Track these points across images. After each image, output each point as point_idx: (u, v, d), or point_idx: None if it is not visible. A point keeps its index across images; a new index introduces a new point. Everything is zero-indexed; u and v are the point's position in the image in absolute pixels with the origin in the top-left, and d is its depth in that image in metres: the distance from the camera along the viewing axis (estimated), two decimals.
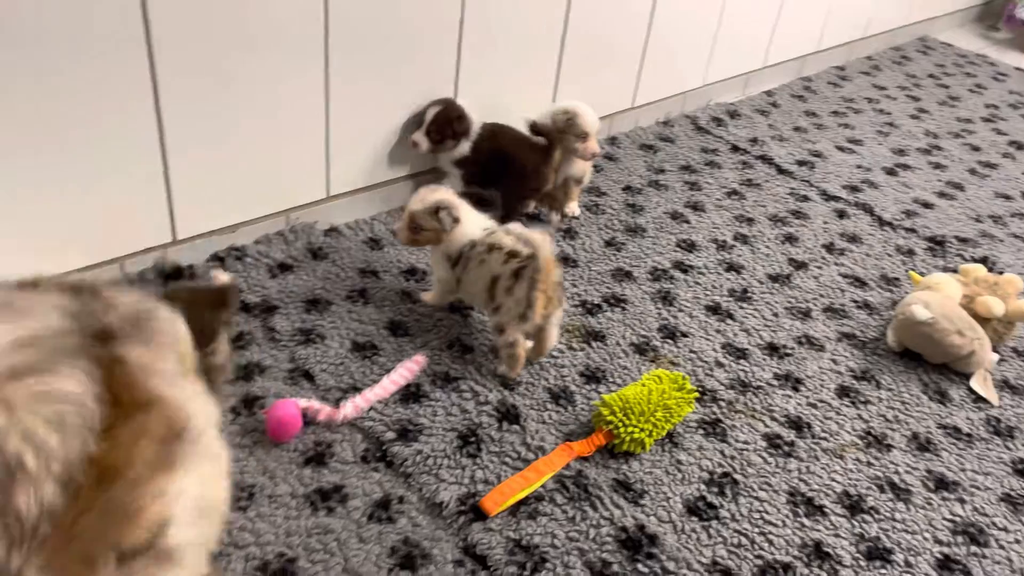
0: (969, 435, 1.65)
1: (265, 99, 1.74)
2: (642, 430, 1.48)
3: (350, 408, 1.48)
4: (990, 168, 2.74)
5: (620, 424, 1.47)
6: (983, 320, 1.81)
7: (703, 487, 1.46)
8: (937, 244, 2.26)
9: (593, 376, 1.67)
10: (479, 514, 1.35)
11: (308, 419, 1.45)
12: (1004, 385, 1.80)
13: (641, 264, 2.02)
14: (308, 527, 1.30)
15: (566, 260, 2.00)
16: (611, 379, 1.67)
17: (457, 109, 2.00)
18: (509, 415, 1.54)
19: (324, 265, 1.85)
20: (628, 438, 1.47)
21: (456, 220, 1.64)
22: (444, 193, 1.67)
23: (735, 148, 2.65)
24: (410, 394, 1.55)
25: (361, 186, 2.03)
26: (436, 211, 1.64)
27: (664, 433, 1.53)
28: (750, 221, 2.26)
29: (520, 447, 1.48)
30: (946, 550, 1.41)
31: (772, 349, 1.81)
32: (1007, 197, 2.57)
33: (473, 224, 1.66)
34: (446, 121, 1.98)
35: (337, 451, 1.43)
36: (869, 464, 1.56)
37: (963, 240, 2.28)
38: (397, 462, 1.42)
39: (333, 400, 1.51)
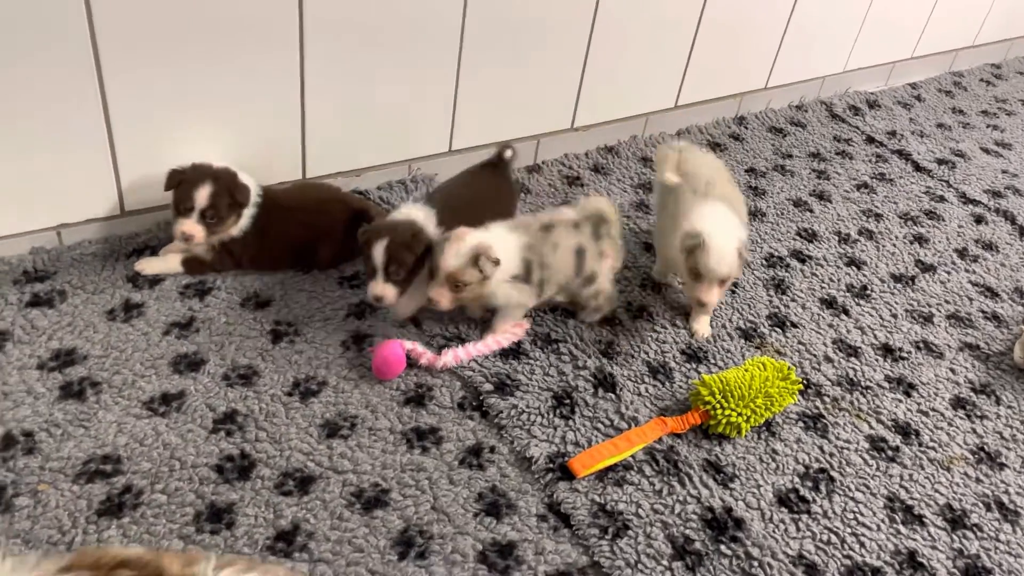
0: None
1: (401, 55, 1.78)
2: (740, 414, 1.45)
3: (450, 357, 1.52)
4: None
5: (718, 406, 1.45)
6: None
7: (797, 480, 1.43)
8: None
9: (694, 356, 1.65)
10: (566, 474, 1.37)
11: (410, 361, 1.50)
12: None
13: (757, 249, 1.97)
14: (403, 463, 1.35)
15: None
16: (712, 361, 1.64)
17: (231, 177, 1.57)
18: (605, 383, 1.54)
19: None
20: (725, 421, 1.45)
21: (497, 262, 1.48)
22: (471, 234, 1.49)
23: (870, 139, 2.53)
24: (510, 351, 1.58)
25: (482, 143, 2.05)
26: (475, 260, 1.47)
27: (762, 420, 1.50)
28: (878, 217, 2.16)
29: (613, 415, 1.48)
30: None
31: (887, 351, 1.74)
32: None
33: (505, 248, 1.51)
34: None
35: (436, 395, 1.47)
36: (978, 480, 1.48)
37: None
38: (492, 413, 1.45)
39: (436, 347, 1.55)
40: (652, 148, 2.27)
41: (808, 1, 2.41)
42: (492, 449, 1.40)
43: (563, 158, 2.18)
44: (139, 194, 1.66)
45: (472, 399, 1.48)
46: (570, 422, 1.46)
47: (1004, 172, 2.46)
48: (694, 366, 1.62)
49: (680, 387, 1.57)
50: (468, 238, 1.48)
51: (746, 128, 2.46)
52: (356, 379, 1.48)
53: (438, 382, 1.50)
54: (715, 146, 2.34)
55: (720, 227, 1.58)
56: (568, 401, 1.50)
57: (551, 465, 1.38)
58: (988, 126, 2.73)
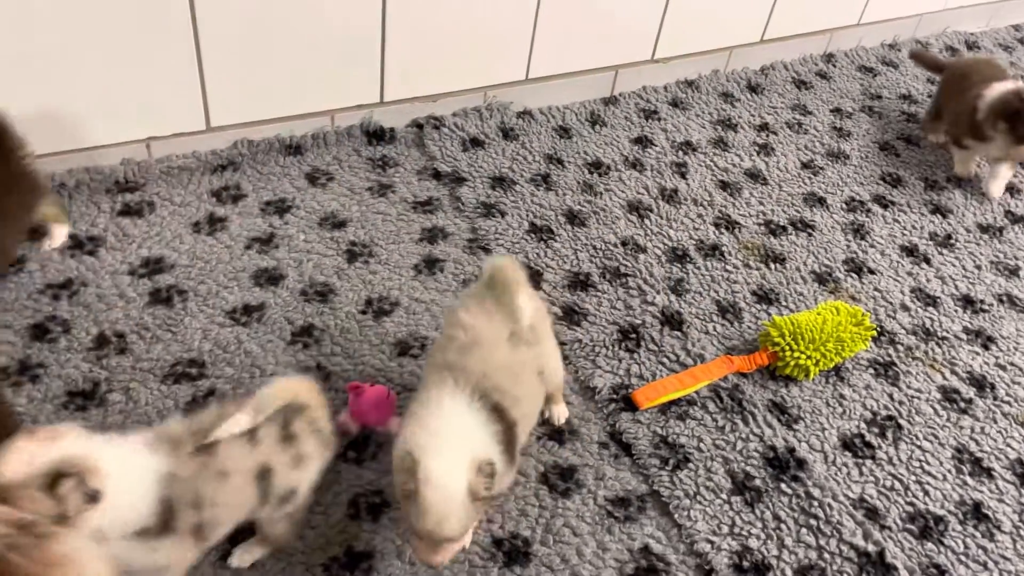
0: None
1: None
2: (809, 357, 1.44)
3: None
4: None
5: (787, 347, 1.44)
6: None
7: (863, 425, 1.42)
8: None
9: (765, 297, 1.63)
10: (630, 405, 1.39)
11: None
12: None
13: (838, 192, 1.92)
14: None
15: (755, 176, 1.92)
16: (784, 303, 1.62)
17: None
18: (673, 320, 1.54)
19: (513, 146, 1.89)
20: (793, 363, 1.44)
21: (95, 495, 0.89)
22: (64, 437, 0.91)
23: None
24: (579, 281, 1.59)
25: (559, 72, 2.02)
26: (53, 482, 0.87)
27: (832, 365, 1.48)
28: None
29: (679, 351, 1.49)
30: None
31: (967, 302, 1.69)
32: None
33: (125, 477, 0.92)
34: None
35: None
36: None
37: None
38: (558, 341, 1.47)
39: None
40: (735, 83, 2.21)
41: None
42: None
43: (641, 91, 2.13)
44: (225, 111, 1.70)
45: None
46: (635, 355, 1.47)
47: None
48: (764, 307, 1.61)
49: (749, 327, 1.56)
50: (51, 442, 0.89)
51: (834, 66, 2.36)
52: (427, 301, 1.51)
53: None
54: (800, 83, 2.26)
55: (451, 460, 0.99)
56: (634, 335, 1.50)
57: (615, 396, 1.40)
58: None
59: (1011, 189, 2.01)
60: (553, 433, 1.34)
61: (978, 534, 1.28)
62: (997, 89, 1.85)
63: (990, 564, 1.25)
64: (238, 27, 1.59)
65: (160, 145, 1.68)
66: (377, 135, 1.84)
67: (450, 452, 1.00)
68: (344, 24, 1.69)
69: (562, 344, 1.46)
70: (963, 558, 1.25)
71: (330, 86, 1.77)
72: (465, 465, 0.99)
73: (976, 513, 1.31)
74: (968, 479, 1.36)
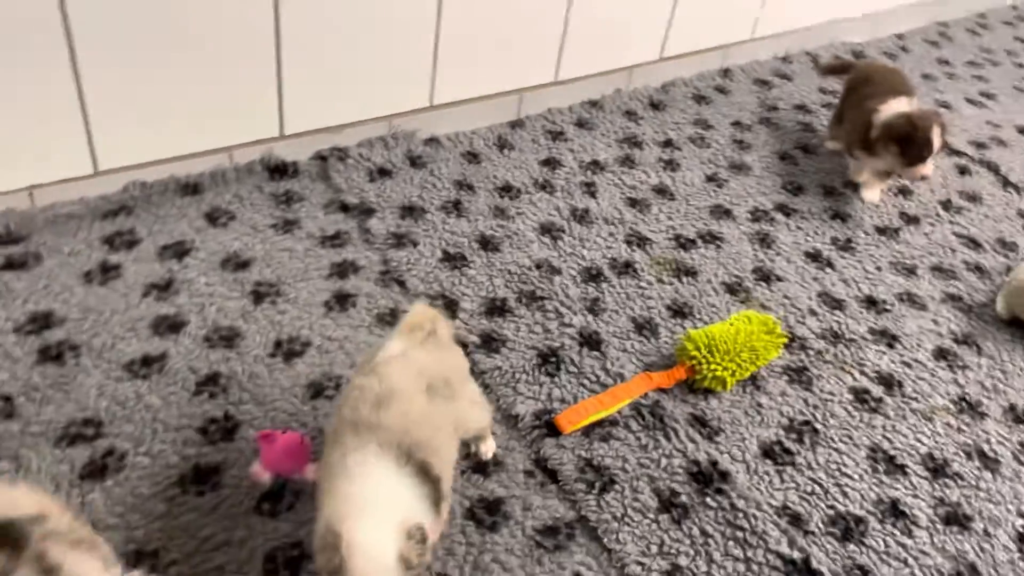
0: None
1: (380, 5, 1.73)
2: (725, 368, 1.46)
3: None
4: None
5: (703, 360, 1.46)
6: None
7: (781, 432, 1.44)
8: None
9: (679, 311, 1.64)
10: (553, 430, 1.37)
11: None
12: None
13: (742, 203, 1.96)
14: None
15: (663, 192, 1.95)
16: (698, 315, 1.64)
17: None
18: (591, 340, 1.54)
19: (422, 173, 1.87)
20: (710, 375, 1.45)
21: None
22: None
23: None
24: (496, 307, 1.57)
25: (464, 98, 2.01)
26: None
27: (748, 375, 1.50)
28: None
29: (599, 371, 1.48)
30: None
31: (871, 303, 1.74)
32: None
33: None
34: None
35: None
36: (959, 430, 1.50)
37: None
38: (478, 371, 1.45)
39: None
40: (637, 101, 2.25)
41: None
42: None
43: (547, 113, 2.14)
44: (114, 153, 1.61)
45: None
46: (556, 379, 1.46)
47: (988, 123, 2.45)
48: (679, 321, 1.62)
49: (666, 342, 1.57)
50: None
51: (732, 81, 2.43)
52: (340, 339, 1.46)
53: None
54: (700, 99, 2.31)
55: (378, 529, 0.92)
56: (554, 359, 1.49)
57: (537, 422, 1.38)
58: (974, 77, 2.71)
59: (904, 191, 2.09)
60: (478, 466, 1.31)
61: (897, 532, 1.31)
62: (892, 107, 1.89)
63: (910, 560, 1.28)
64: (122, 63, 1.52)
65: (44, 192, 1.58)
66: (279, 170, 1.79)
67: (376, 520, 0.93)
68: (237, 56, 1.63)
69: (482, 372, 1.44)
70: (884, 556, 1.28)
71: (226, 121, 1.71)
72: (394, 532, 0.92)
73: (894, 510, 1.35)
74: (884, 477, 1.40)
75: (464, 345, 1.48)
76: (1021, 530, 1.35)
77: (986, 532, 1.34)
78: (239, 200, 1.71)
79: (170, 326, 1.43)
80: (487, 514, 1.24)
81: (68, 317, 1.41)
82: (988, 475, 1.43)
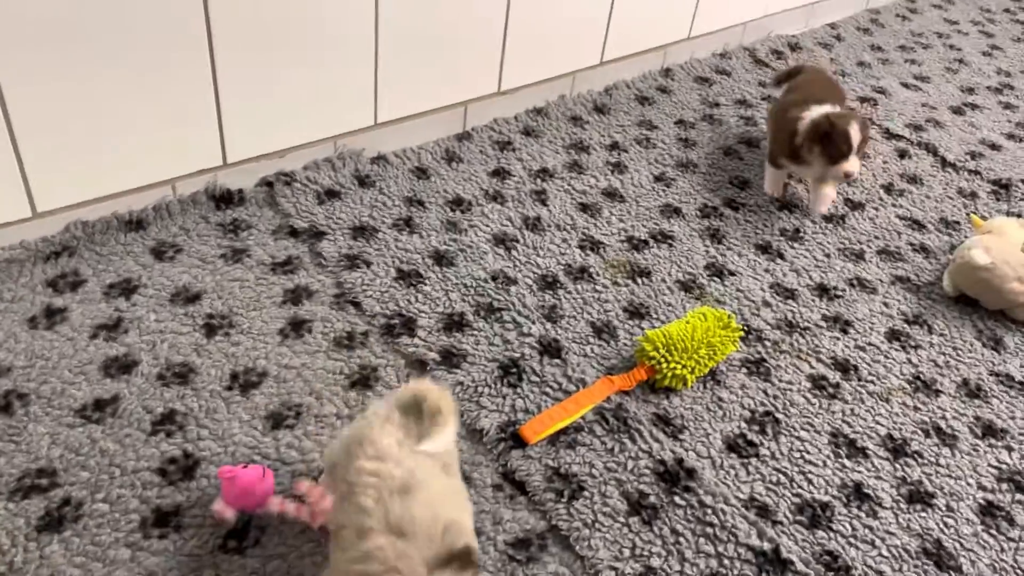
0: (1022, 383, 1.61)
1: (314, 25, 1.72)
2: (684, 366, 1.47)
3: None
4: None
5: (662, 360, 1.47)
6: None
7: (744, 425, 1.46)
8: (1002, 187, 2.17)
9: (637, 312, 1.66)
10: (519, 442, 1.37)
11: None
12: None
13: (691, 200, 1.98)
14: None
15: (612, 195, 1.97)
16: (655, 315, 1.65)
17: None
18: (551, 348, 1.54)
19: (371, 193, 1.86)
20: (670, 374, 1.47)
21: None
22: None
23: None
24: (453, 323, 1.56)
25: (409, 114, 2.01)
26: None
27: (707, 371, 1.52)
28: None
29: (561, 379, 1.48)
30: (990, 496, 1.39)
31: (822, 290, 1.77)
32: None
33: None
34: None
35: (382, 375, 1.45)
36: (916, 409, 1.53)
37: None
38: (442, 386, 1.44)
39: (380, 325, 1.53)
40: (582, 106, 2.26)
41: None
42: None
43: (492, 123, 2.15)
44: (52, 193, 1.58)
45: (418, 375, 1.46)
46: (518, 390, 1.46)
47: (924, 105, 2.52)
48: (637, 322, 1.63)
49: (625, 345, 1.58)
50: None
51: (672, 80, 2.46)
52: (298, 367, 1.44)
53: (382, 361, 1.48)
54: (643, 100, 2.34)
55: None
56: (515, 369, 1.49)
57: (502, 435, 1.38)
58: (907, 61, 2.78)
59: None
60: None
61: (862, 514, 1.34)
62: (815, 112, 1.87)
63: (877, 542, 1.30)
64: (53, 100, 1.49)
65: None
66: (225, 199, 1.76)
67: None
68: (173, 84, 1.61)
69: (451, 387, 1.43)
70: (852, 540, 1.30)
71: (166, 153, 1.68)
72: None
73: (858, 493, 1.37)
74: (846, 462, 1.42)
75: (423, 363, 1.47)
76: (983, 503, 1.38)
77: (948, 508, 1.37)
78: (185, 232, 1.68)
79: (121, 367, 1.40)
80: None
81: (14, 365, 1.37)
82: (947, 451, 1.46)
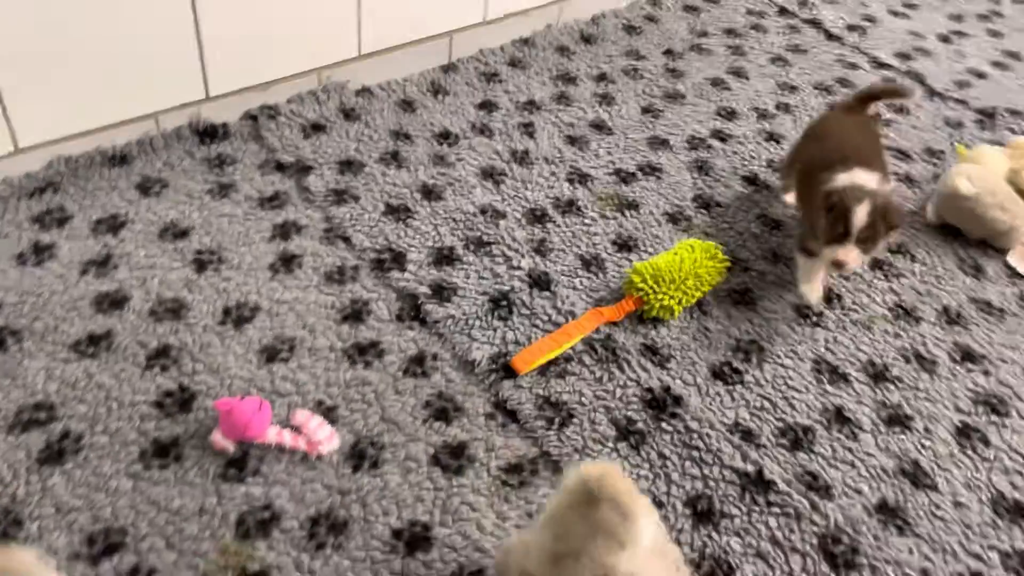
0: (1001, 310, 1.65)
1: None
2: (672, 297, 1.49)
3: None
4: None
5: (650, 291, 1.49)
6: None
7: (729, 353, 1.49)
8: (987, 116, 2.17)
9: (625, 244, 1.67)
10: (510, 372, 1.39)
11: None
12: None
13: (679, 132, 1.98)
14: (346, 379, 1.35)
15: (600, 127, 1.96)
16: (643, 248, 1.67)
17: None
18: (540, 281, 1.56)
19: (357, 126, 1.84)
20: (658, 305, 1.49)
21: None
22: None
23: (783, 11, 2.52)
24: (443, 257, 1.57)
25: (393, 44, 1.97)
26: None
27: (694, 301, 1.54)
28: (794, 89, 2.18)
29: (551, 311, 1.50)
30: (966, 418, 1.44)
31: None
32: None
33: None
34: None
35: (374, 309, 1.46)
36: (897, 336, 1.57)
37: (1015, 112, 2.19)
38: (431, 321, 1.46)
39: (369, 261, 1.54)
40: (568, 36, 2.23)
41: None
42: (435, 356, 1.41)
43: (479, 54, 2.11)
44: (34, 129, 1.55)
45: (410, 309, 1.48)
46: (509, 322, 1.48)
47: (912, 33, 2.50)
48: (625, 255, 1.65)
49: (613, 277, 1.60)
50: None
51: (660, 8, 2.42)
52: (290, 300, 1.45)
53: (374, 295, 1.49)
54: (631, 29, 2.30)
55: None
56: (505, 302, 1.51)
57: (494, 366, 1.40)
58: None
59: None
60: (439, 412, 1.33)
61: (843, 436, 1.38)
62: (842, 181, 1.48)
63: (856, 463, 1.35)
64: (31, 32, 1.45)
65: None
66: (209, 133, 1.74)
67: None
68: (151, 15, 1.57)
69: (435, 322, 1.45)
70: (832, 461, 1.35)
71: (148, 86, 1.65)
72: None
73: (839, 417, 1.41)
74: (828, 387, 1.46)
75: (415, 296, 1.48)
76: (959, 425, 1.43)
77: (926, 429, 1.41)
78: (170, 168, 1.66)
79: (112, 302, 1.40)
80: (452, 459, 1.27)
81: (5, 302, 1.38)
82: (926, 376, 1.50)
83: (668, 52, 2.25)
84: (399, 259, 1.56)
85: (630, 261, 1.62)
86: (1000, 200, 1.71)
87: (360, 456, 1.25)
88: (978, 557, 1.25)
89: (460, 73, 2.05)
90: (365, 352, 1.40)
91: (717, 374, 1.45)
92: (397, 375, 1.37)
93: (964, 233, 1.79)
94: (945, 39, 2.49)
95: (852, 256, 1.45)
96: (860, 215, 1.41)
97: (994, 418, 1.45)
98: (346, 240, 1.58)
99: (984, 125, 2.14)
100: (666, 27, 2.35)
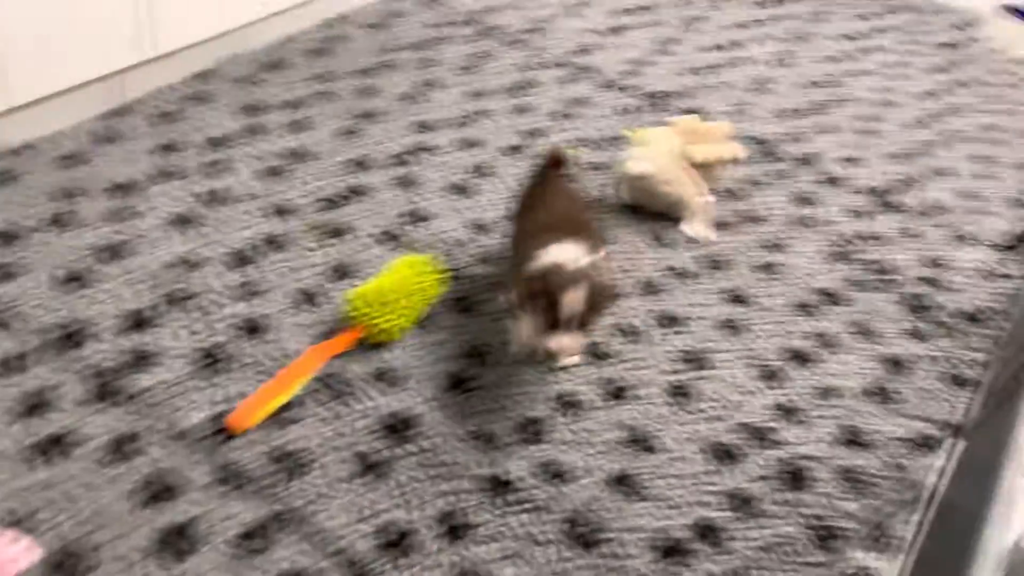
0: (684, 272, 1.81)
1: None
2: (393, 318, 1.47)
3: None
4: (701, 22, 2.93)
5: (369, 316, 1.46)
6: (698, 166, 1.96)
7: (462, 361, 1.50)
8: (656, 100, 2.40)
9: (343, 272, 1.63)
10: (230, 433, 1.30)
11: None
12: (718, 224, 1.98)
13: (381, 150, 1.97)
14: (40, 480, 1.18)
15: (299, 155, 1.89)
16: (359, 273, 1.64)
17: None
18: (255, 327, 1.47)
19: (11, 190, 1.62)
20: (377, 329, 1.46)
21: None
22: None
23: (467, 22, 2.61)
24: (138, 321, 1.43)
25: (49, 93, 1.76)
26: None
27: (416, 317, 1.54)
28: (481, 95, 2.26)
29: (273, 356, 1.42)
30: (674, 378, 1.56)
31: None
32: (719, 48, 2.76)
33: None
34: None
35: (61, 394, 1.29)
36: (610, 313, 1.67)
37: (679, 94, 2.44)
38: (133, 394, 1.32)
39: None
40: (254, 64, 2.13)
41: None
42: (138, 435, 1.27)
43: (156, 93, 1.96)
44: None
45: (102, 387, 1.32)
46: (229, 376, 1.38)
47: (585, 31, 2.69)
48: (345, 282, 1.60)
49: (335, 308, 1.55)
50: None
51: (348, 26, 2.40)
52: None
53: (59, 379, 1.31)
54: (318, 52, 2.26)
55: None
56: (217, 357, 1.40)
57: (215, 428, 1.30)
58: None
59: (522, 109, 2.23)
60: (156, 494, 1.20)
61: (568, 419, 1.44)
62: (551, 256, 1.36)
63: (591, 438, 1.41)
64: None
65: None
66: None
67: None
68: None
69: (138, 396, 1.31)
70: (570, 445, 1.40)
71: None
72: None
73: (567, 402, 1.47)
74: (551, 375, 1.52)
75: (115, 370, 1.33)
76: (670, 384, 1.55)
77: (644, 396, 1.52)
78: None
79: None
80: (180, 540, 1.15)
81: None
82: (636, 346, 1.61)
83: (359, 71, 2.23)
84: (83, 333, 1.39)
85: (353, 286, 1.58)
86: (666, 175, 1.88)
87: (70, 561, 1.10)
88: (706, 504, 1.36)
89: (136, 116, 1.88)
90: (58, 443, 1.23)
91: (454, 384, 1.46)
92: (100, 464, 1.22)
93: (647, 209, 1.95)
94: (615, 31, 2.72)
95: (568, 344, 1.35)
96: (571, 304, 1.29)
97: (701, 372, 1.59)
98: (4, 326, 1.38)
99: (657, 107, 2.36)
100: (355, 45, 2.33)
